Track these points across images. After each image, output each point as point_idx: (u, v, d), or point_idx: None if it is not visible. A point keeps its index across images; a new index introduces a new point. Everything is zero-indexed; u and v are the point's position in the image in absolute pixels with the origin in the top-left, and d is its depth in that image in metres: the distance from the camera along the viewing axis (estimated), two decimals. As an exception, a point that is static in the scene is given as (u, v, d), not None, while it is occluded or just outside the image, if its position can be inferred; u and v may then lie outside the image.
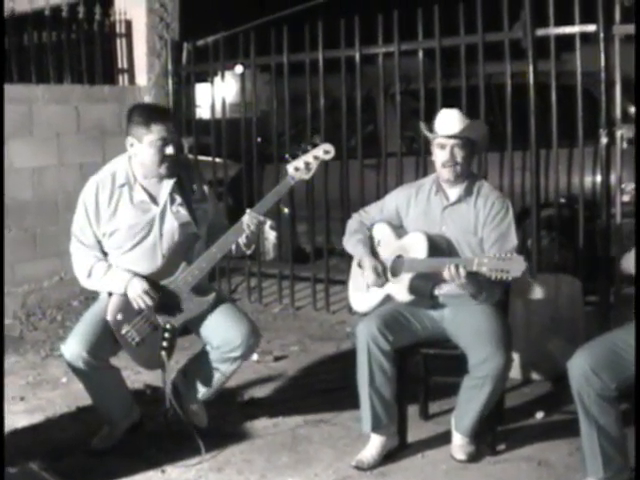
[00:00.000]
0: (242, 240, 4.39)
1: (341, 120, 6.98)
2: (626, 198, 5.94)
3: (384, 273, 4.39)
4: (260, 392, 5.37)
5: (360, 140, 6.99)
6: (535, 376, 5.35)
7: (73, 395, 5.15)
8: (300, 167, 4.43)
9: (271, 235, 8.44)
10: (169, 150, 4.31)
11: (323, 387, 5.40)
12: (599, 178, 6.07)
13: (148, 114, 4.33)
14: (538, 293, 5.39)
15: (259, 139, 7.83)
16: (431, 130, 4.42)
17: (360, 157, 7.01)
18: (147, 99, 7.72)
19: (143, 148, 4.32)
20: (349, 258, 6.70)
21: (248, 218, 4.33)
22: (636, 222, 3.68)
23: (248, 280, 7.71)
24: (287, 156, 4.60)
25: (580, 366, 3.72)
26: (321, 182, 6.90)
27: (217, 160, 7.97)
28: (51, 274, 7.19)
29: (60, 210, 7.06)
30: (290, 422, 4.85)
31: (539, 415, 4.84)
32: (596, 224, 6.17)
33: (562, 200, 6.47)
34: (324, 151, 4.46)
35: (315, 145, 4.55)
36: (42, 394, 5.37)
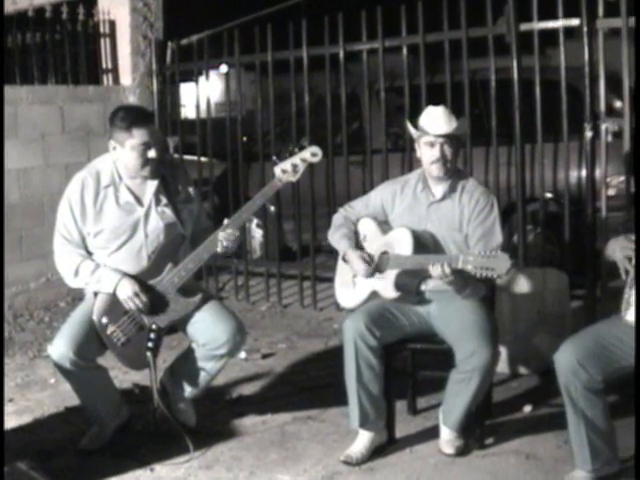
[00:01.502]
0: (223, 247, 4.37)
1: (326, 118, 6.98)
2: (611, 192, 5.96)
3: (371, 262, 4.39)
4: (248, 390, 5.36)
5: (346, 137, 6.99)
6: (523, 370, 5.37)
7: (61, 396, 5.14)
8: (287, 169, 4.45)
9: (257, 233, 8.47)
10: (151, 154, 4.31)
11: (311, 384, 5.41)
12: (584, 172, 6.09)
13: (130, 118, 4.32)
14: (525, 287, 5.41)
15: (244, 139, 7.83)
16: (416, 128, 4.42)
17: (346, 154, 7.01)
18: (132, 99, 7.72)
19: (125, 152, 4.33)
20: (336, 255, 6.74)
21: (224, 232, 4.33)
22: (636, 222, 3.68)
23: (235, 278, 7.71)
24: (274, 158, 4.61)
25: (567, 359, 3.74)
26: (307, 180, 6.88)
27: (202, 159, 7.96)
28: (37, 275, 7.18)
29: (46, 211, 7.04)
30: (278, 419, 4.86)
31: (527, 409, 4.86)
32: (582, 218, 6.19)
33: (547, 195, 6.50)
34: (311, 154, 4.50)
35: (303, 147, 4.57)
36: (31, 395, 5.36)
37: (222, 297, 7.51)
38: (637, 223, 3.68)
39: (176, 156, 7.82)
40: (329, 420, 4.83)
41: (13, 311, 7.06)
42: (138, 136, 4.27)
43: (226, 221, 4.38)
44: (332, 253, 7.15)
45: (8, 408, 5.11)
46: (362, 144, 7.37)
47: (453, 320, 4.27)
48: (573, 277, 5.74)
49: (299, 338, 6.48)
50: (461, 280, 4.14)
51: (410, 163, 6.60)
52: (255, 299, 7.58)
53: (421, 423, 4.73)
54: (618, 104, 6.11)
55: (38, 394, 5.37)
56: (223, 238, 4.33)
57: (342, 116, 6.94)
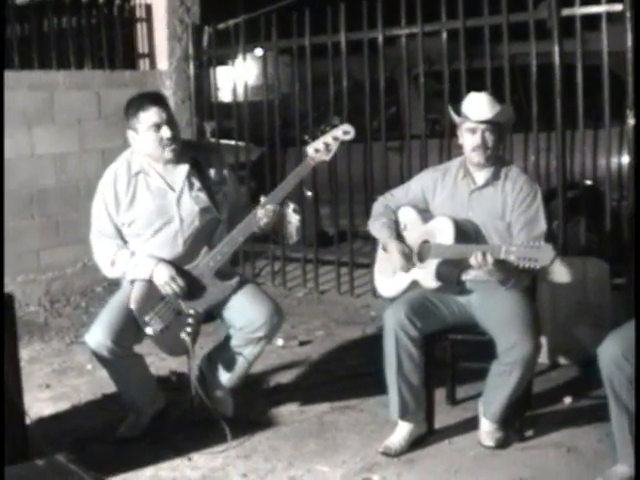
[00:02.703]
0: (262, 224, 4.33)
1: (364, 102, 6.92)
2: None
3: (411, 257, 4.34)
4: (285, 378, 5.34)
5: (384, 122, 6.93)
6: (562, 361, 5.30)
7: (98, 382, 5.13)
8: (320, 148, 4.38)
9: (294, 218, 8.43)
10: (165, 133, 4.28)
11: (349, 372, 5.37)
12: (625, 159, 6.00)
13: (136, 104, 4.34)
14: (565, 276, 5.33)
15: (280, 123, 7.78)
16: (458, 113, 4.36)
17: (384, 139, 6.95)
18: (168, 84, 7.69)
19: (141, 138, 4.33)
20: (373, 241, 6.69)
21: (263, 209, 4.30)
22: (635, 225, 3.62)
23: (272, 264, 7.69)
24: (307, 138, 4.55)
25: (610, 351, 3.67)
26: (344, 165, 6.86)
27: (239, 144, 7.93)
28: (74, 261, 7.19)
29: (82, 196, 7.01)
30: (316, 408, 4.82)
31: (567, 400, 4.79)
32: (622, 206, 6.11)
33: (588, 182, 6.40)
34: (343, 132, 4.41)
35: (334, 126, 4.51)
36: (67, 381, 5.37)
37: (258, 283, 7.47)
38: (637, 221, 3.60)
39: (213, 140, 7.80)
40: (367, 410, 4.79)
41: (50, 296, 7.08)
42: (146, 118, 4.27)
43: (262, 199, 4.34)
44: (369, 239, 7.14)
45: (45, 394, 5.14)
46: (400, 129, 7.32)
47: (495, 311, 4.20)
48: (613, 266, 5.65)
49: (336, 325, 6.44)
50: (504, 270, 4.08)
51: (449, 149, 6.52)
52: (292, 285, 7.55)
53: (460, 414, 4.67)
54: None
55: (75, 380, 5.38)
56: (261, 215, 4.29)
57: (380, 101, 6.87)
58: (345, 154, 6.83)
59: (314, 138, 4.47)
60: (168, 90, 7.52)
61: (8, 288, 6.52)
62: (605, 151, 6.08)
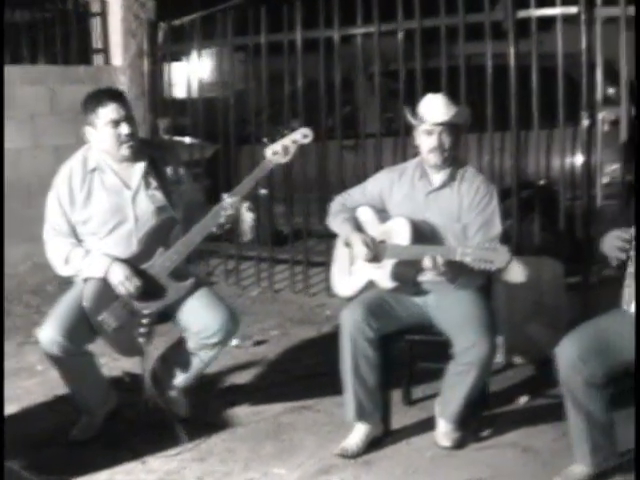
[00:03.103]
0: (220, 224, 4.32)
1: (319, 101, 6.90)
2: (605, 180, 5.90)
3: (375, 246, 4.31)
4: (241, 378, 5.30)
5: (339, 121, 6.91)
6: (518, 360, 5.32)
7: (50, 383, 5.03)
8: (278, 151, 4.38)
9: (248, 217, 8.35)
10: (124, 130, 4.25)
11: (305, 373, 5.35)
12: (579, 160, 6.05)
13: (95, 99, 4.31)
14: (520, 276, 5.33)
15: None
16: (414, 115, 4.35)
17: (339, 138, 6.94)
18: (122, 79, 7.62)
19: (99, 134, 4.29)
20: (327, 240, 6.68)
21: (224, 204, 4.28)
22: (636, 218, 3.63)
23: (226, 263, 7.64)
24: (265, 140, 4.53)
25: (567, 354, 3.69)
26: (299, 163, 6.81)
27: (194, 141, 7.87)
28: (25, 258, 7.08)
29: (34, 193, 6.92)
30: (272, 409, 4.79)
31: (523, 400, 4.81)
32: (575, 206, 6.15)
33: (542, 182, 6.44)
34: (302, 135, 4.42)
35: (294, 129, 4.49)
36: (19, 383, 5.26)
37: (212, 282, 7.43)
38: (637, 220, 3.62)
39: (167, 137, 7.74)
40: (323, 410, 4.77)
41: (1, 295, 6.95)
42: (104, 114, 4.23)
43: (224, 197, 4.31)
44: (324, 237, 7.13)
45: (-6, 398, 5.05)
46: (355, 128, 7.31)
47: (451, 311, 4.21)
48: (567, 265, 5.69)
49: (291, 324, 6.41)
50: (454, 270, 4.08)
51: (404, 148, 6.53)
52: (246, 284, 7.51)
53: (416, 414, 4.67)
54: (610, 91, 6.05)
55: (26, 382, 5.28)
56: (219, 215, 4.27)
57: (335, 100, 6.85)
58: (300, 152, 6.76)
59: (269, 136, 4.45)
60: (122, 86, 7.38)
61: (-43, 287, 6.50)
62: (559, 151, 6.11)
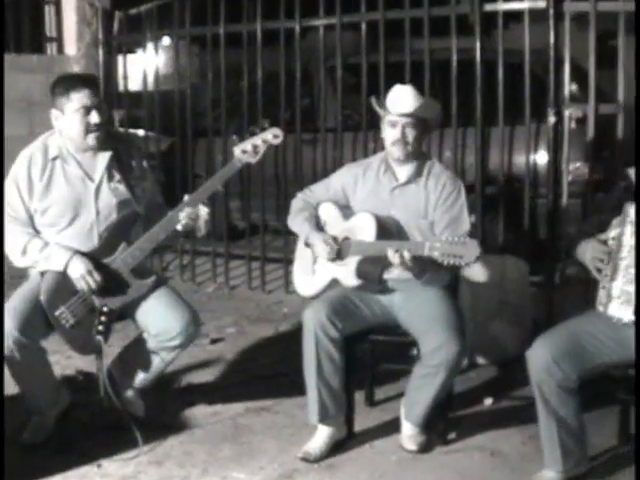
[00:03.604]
0: (185, 223, 4.18)
1: (278, 94, 6.76)
2: (570, 178, 5.82)
3: (335, 244, 4.18)
4: (197, 378, 5.15)
5: (298, 115, 6.78)
6: (481, 360, 5.23)
7: (-1, 382, 4.86)
8: (247, 150, 4.26)
9: (203, 211, 8.18)
10: (94, 118, 4.09)
11: (263, 373, 5.21)
12: (544, 157, 5.97)
13: (68, 83, 4.14)
14: (484, 275, 5.25)
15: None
16: (381, 105, 4.23)
17: (298, 132, 6.80)
18: (77, 69, 7.40)
19: (67, 119, 4.11)
20: (285, 236, 6.58)
21: (187, 208, 4.17)
22: (637, 221, 3.55)
23: (180, 257, 7.47)
24: (235, 137, 4.40)
25: (541, 356, 3.59)
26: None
27: (149, 134, 7.70)
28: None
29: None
30: (230, 410, 4.65)
31: (487, 402, 4.72)
32: (539, 203, 6.08)
33: (505, 179, 6.35)
34: (273, 135, 4.31)
35: (264, 128, 4.35)
36: (-35, 382, 5.06)
37: (167, 277, 7.24)
38: (637, 220, 3.53)
39: (121, 129, 7.55)
40: (283, 412, 4.64)
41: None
42: (77, 99, 4.07)
43: (186, 198, 4.19)
44: (280, 233, 7.01)
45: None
46: (314, 122, 7.18)
47: (418, 311, 4.09)
48: (531, 264, 5.61)
49: (248, 322, 6.27)
50: (420, 265, 3.95)
51: (364, 143, 6.42)
52: (201, 280, 7.36)
53: (379, 416, 4.55)
54: (574, 88, 5.97)
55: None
56: (183, 217, 4.14)
57: (295, 93, 6.71)
58: None
59: (227, 130, 4.31)
60: (76, 76, 7.23)
61: None
62: (523, 148, 6.02)
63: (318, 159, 6.94)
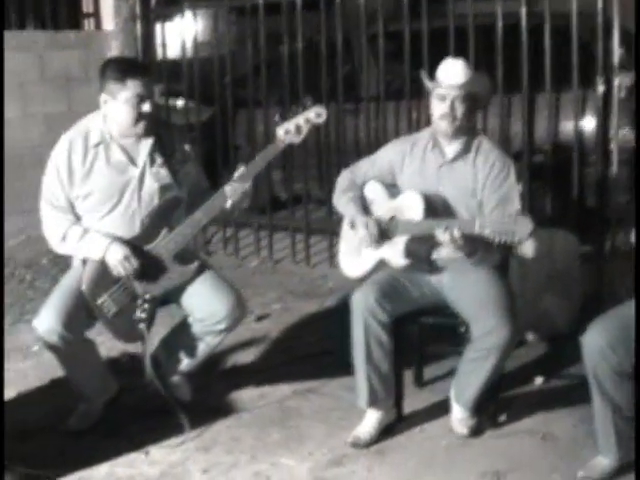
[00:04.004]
0: (228, 205, 4.11)
1: (318, 62, 6.63)
2: (619, 146, 5.68)
3: (379, 231, 4.09)
4: (244, 357, 5.10)
5: (340, 84, 6.65)
6: (531, 337, 5.12)
7: (45, 366, 4.83)
8: (290, 130, 4.16)
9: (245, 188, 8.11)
10: (145, 107, 4.02)
11: (309, 351, 5.15)
12: (592, 125, 5.81)
13: (124, 68, 4.04)
14: (533, 250, 5.13)
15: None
16: (430, 78, 4.11)
17: (340, 101, 6.68)
18: (114, 45, 7.29)
19: (118, 105, 4.02)
20: (329, 206, 6.48)
21: (231, 188, 4.07)
22: (636, 219, 3.43)
23: (224, 231, 7.41)
24: (277, 118, 4.30)
25: (595, 342, 3.48)
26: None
27: (189, 103, 7.60)
28: (18, 232, 6.86)
29: (26, 165, 6.72)
30: (277, 392, 4.61)
31: (538, 381, 4.63)
32: (588, 173, 5.93)
33: (552, 147, 6.22)
34: (316, 114, 4.20)
35: (306, 107, 4.25)
36: (12, 365, 5.05)
37: (210, 251, 7.22)
38: (637, 220, 3.42)
39: (161, 101, 7.49)
40: (330, 393, 4.58)
41: (-8, 270, 6.73)
42: (132, 87, 3.98)
43: (235, 175, 4.11)
44: (323, 203, 6.93)
45: (-12, 382, 4.85)
46: (356, 91, 7.07)
47: (468, 293, 3.99)
48: (580, 235, 5.48)
49: (293, 298, 6.20)
50: (471, 244, 3.84)
51: (408, 112, 6.30)
52: (244, 253, 7.28)
53: (428, 397, 4.48)
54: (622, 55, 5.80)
55: (20, 364, 5.08)
56: (228, 195, 4.06)
57: (336, 62, 6.58)
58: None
59: (282, 117, 4.23)
60: (114, 51, 7.17)
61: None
62: (571, 115, 5.86)
63: (360, 128, 6.82)
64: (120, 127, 4.09)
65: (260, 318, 5.76)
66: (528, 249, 5.01)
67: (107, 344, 4.93)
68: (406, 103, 6.36)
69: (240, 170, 4.11)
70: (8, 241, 6.89)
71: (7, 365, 5.02)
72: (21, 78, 6.82)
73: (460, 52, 5.71)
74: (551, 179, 6.01)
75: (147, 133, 4.11)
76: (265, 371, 4.90)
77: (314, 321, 5.73)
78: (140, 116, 4.03)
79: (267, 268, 6.99)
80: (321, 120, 4.21)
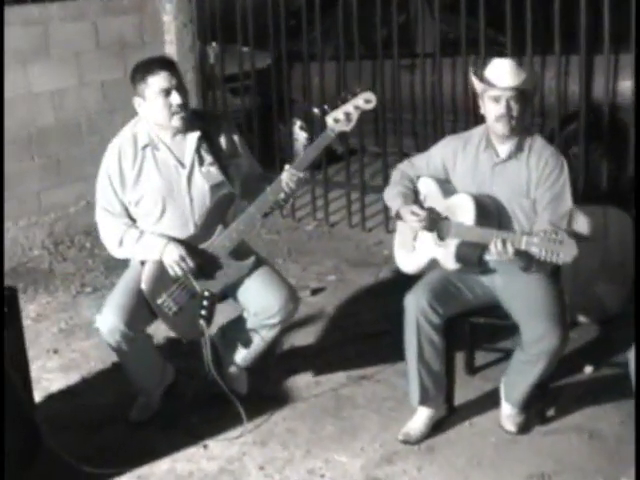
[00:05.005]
0: (281, 197, 4.16)
1: (373, 17, 6.55)
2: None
3: (430, 220, 4.10)
4: (299, 339, 5.18)
5: (396, 40, 6.56)
6: (582, 319, 5.14)
7: (106, 346, 4.97)
8: (340, 118, 4.14)
9: (301, 136, 8.13)
10: (175, 99, 4.04)
11: (364, 330, 5.22)
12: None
13: (143, 68, 4.09)
14: (587, 229, 5.11)
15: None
16: (482, 79, 4.08)
17: (395, 57, 6.62)
18: (169, 8, 7.22)
19: (149, 104, 4.08)
20: (383, 160, 6.51)
21: (287, 176, 4.09)
22: (636, 220, 3.40)
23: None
24: (326, 107, 4.29)
25: None
26: (354, 81, 6.55)
27: (244, 49, 7.50)
28: (76, 199, 6.96)
29: (83, 132, 6.79)
30: (332, 379, 4.71)
31: (588, 370, 4.68)
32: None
33: (608, 109, 6.12)
34: (365, 100, 4.17)
35: (355, 94, 4.24)
36: (75, 344, 5.22)
37: (266, 213, 7.26)
38: (637, 220, 3.39)
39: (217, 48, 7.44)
40: (384, 380, 4.68)
41: (53, 238, 6.87)
42: (154, 83, 4.02)
43: (287, 167, 4.12)
44: (378, 157, 6.93)
45: (54, 362, 5.01)
46: (412, 47, 7.00)
47: (520, 296, 4.03)
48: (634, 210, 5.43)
49: (348, 267, 6.26)
50: (526, 258, 3.86)
51: (464, 68, 6.19)
52: (300, 215, 7.34)
53: (480, 385, 4.57)
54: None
55: (83, 343, 5.23)
56: (283, 185, 4.09)
57: (391, 15, 6.48)
58: (355, 71, 6.72)
59: (331, 106, 4.21)
60: (169, 15, 7.15)
61: (11, 233, 6.45)
62: (628, 76, 5.77)
63: (416, 84, 6.83)
64: (160, 125, 4.13)
65: (315, 292, 5.84)
66: (582, 226, 5.03)
67: (162, 327, 5.06)
68: (462, 59, 6.32)
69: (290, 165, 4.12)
70: (69, 208, 7.00)
71: (71, 345, 5.22)
72: (76, 47, 6.82)
73: (517, 6, 5.66)
74: (607, 141, 5.94)
75: (185, 125, 4.13)
76: (320, 354, 4.98)
77: (370, 295, 5.78)
78: (172, 108, 4.06)
79: (323, 232, 7.03)
80: (370, 106, 4.18)
